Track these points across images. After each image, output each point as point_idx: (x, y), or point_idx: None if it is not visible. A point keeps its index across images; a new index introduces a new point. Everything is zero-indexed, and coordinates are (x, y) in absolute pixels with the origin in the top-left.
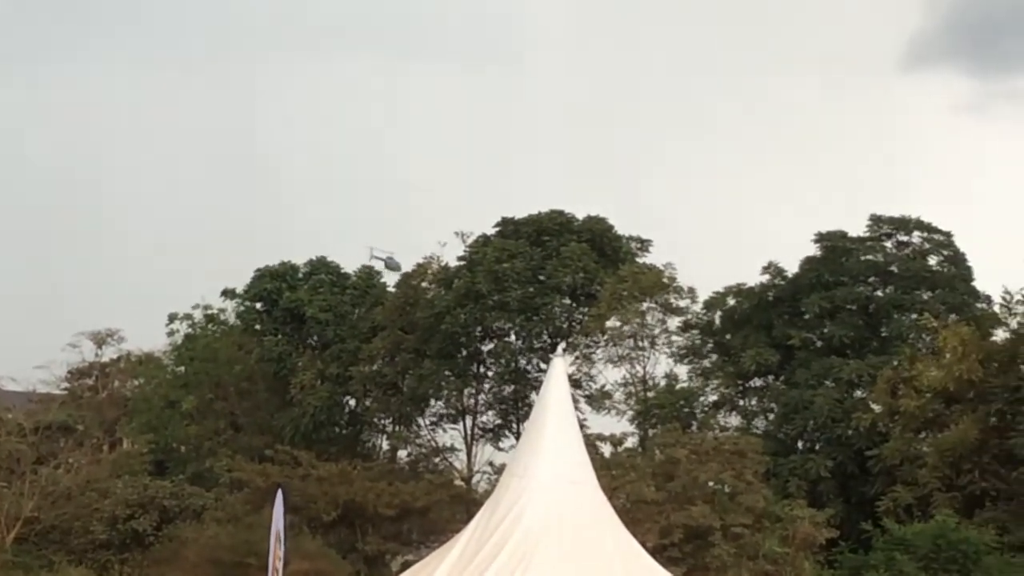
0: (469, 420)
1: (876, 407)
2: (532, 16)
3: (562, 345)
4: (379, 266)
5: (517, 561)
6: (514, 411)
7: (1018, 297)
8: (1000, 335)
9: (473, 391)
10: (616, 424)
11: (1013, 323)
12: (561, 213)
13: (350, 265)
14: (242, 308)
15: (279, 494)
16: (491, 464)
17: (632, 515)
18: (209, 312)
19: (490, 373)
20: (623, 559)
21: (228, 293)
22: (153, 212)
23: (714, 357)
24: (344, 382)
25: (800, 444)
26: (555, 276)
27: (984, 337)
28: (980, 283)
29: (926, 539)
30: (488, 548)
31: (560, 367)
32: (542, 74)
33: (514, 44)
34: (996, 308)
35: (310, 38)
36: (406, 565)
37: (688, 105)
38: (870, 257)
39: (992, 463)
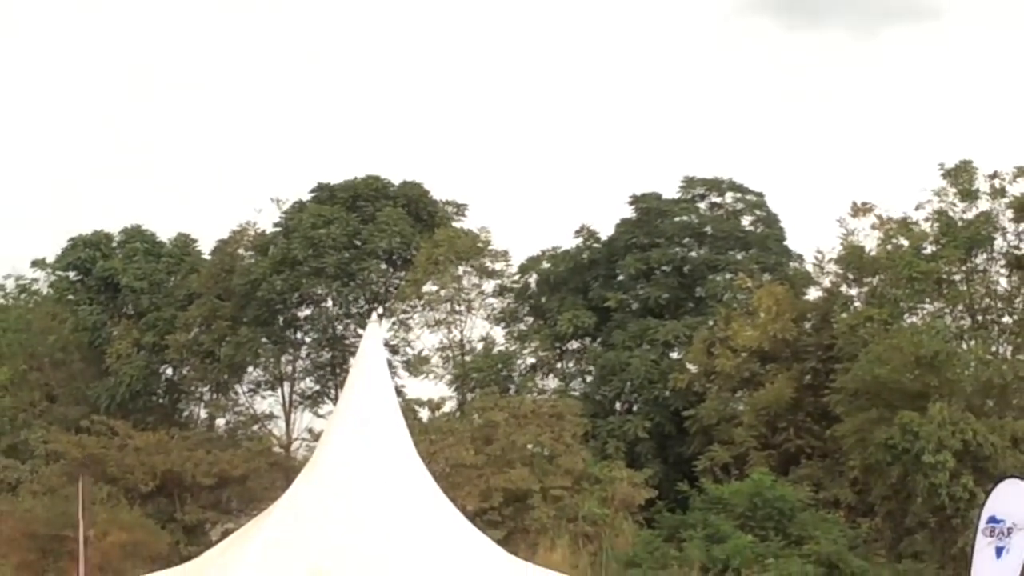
0: (287, 387)
1: (692, 367)
2: None
3: (377, 311)
4: None
5: (334, 530)
6: (332, 377)
7: (830, 256)
8: (813, 294)
9: (290, 358)
10: (434, 389)
11: (825, 282)
12: (377, 178)
13: (165, 233)
14: (55, 277)
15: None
16: (310, 431)
17: (451, 479)
18: (21, 282)
19: (307, 339)
20: (442, 525)
21: (39, 263)
22: None
23: (530, 320)
24: (160, 351)
25: (618, 405)
26: (371, 241)
27: (797, 296)
28: (792, 242)
29: (743, 497)
30: (306, 517)
31: (375, 333)
32: (352, 34)
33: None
34: (809, 267)
35: None
36: (226, 533)
37: (499, 65)
38: (684, 218)
39: (807, 421)
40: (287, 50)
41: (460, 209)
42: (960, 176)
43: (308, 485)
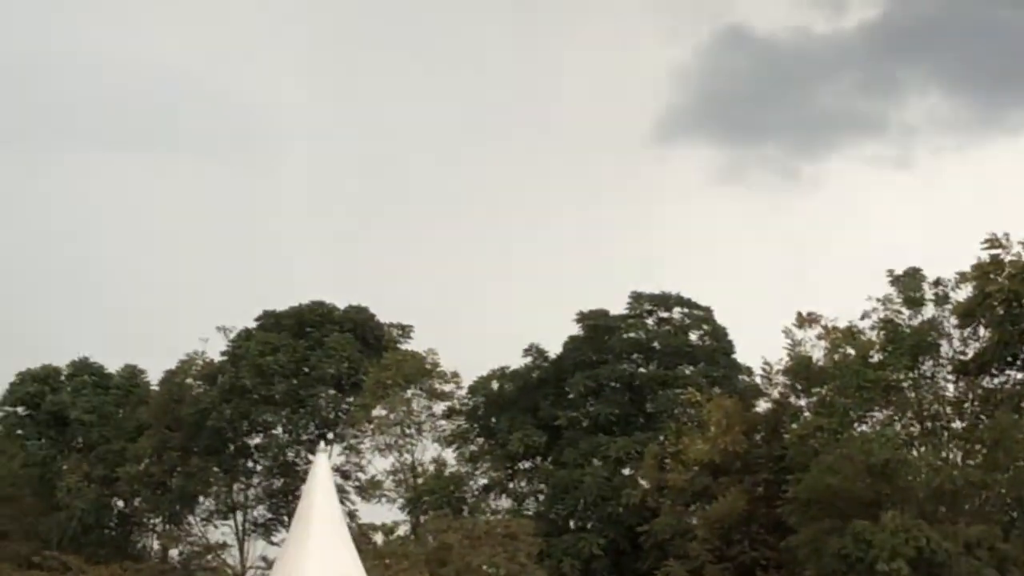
0: (240, 516)
1: (644, 483)
2: (280, 107)
3: (327, 437)
4: None
5: None
6: (285, 505)
7: (778, 367)
8: (762, 405)
9: (242, 486)
10: (387, 513)
11: (774, 393)
12: (322, 304)
13: (113, 365)
14: (3, 413)
15: None
16: (264, 559)
17: None
18: None
19: (259, 467)
20: None
21: None
22: None
23: (481, 441)
24: (111, 483)
25: (572, 523)
26: (319, 367)
27: (747, 409)
28: (741, 355)
29: None
30: None
31: (323, 462)
32: (293, 164)
33: (265, 135)
34: (757, 379)
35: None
36: None
37: (443, 189)
38: (632, 335)
39: (761, 532)
40: (225, 176)
41: (406, 331)
42: (908, 283)
43: None
